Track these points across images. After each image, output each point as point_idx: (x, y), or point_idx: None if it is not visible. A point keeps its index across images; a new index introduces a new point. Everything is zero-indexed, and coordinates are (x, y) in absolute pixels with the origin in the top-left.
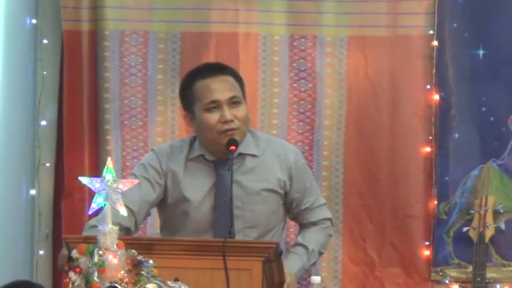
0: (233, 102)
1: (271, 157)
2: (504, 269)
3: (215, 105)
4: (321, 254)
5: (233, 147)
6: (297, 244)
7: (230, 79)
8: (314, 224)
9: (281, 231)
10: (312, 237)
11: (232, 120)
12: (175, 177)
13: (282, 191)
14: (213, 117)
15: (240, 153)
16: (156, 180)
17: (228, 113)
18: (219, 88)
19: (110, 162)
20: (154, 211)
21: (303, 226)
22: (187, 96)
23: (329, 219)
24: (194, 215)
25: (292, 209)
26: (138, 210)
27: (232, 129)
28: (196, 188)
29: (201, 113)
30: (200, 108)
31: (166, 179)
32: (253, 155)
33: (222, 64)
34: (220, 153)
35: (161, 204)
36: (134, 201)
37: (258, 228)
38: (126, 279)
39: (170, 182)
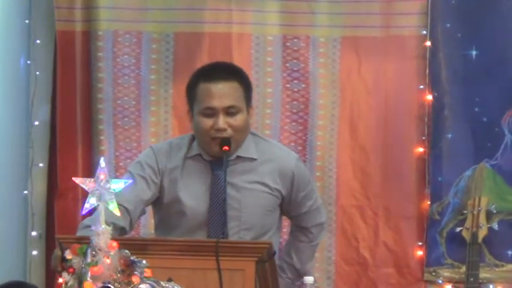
0: (230, 111)
1: (270, 161)
2: (497, 269)
3: (211, 112)
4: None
5: (226, 148)
6: (291, 265)
7: (235, 85)
8: (307, 230)
9: (276, 233)
10: (305, 257)
11: (225, 129)
12: (172, 176)
13: (279, 195)
14: (207, 123)
15: (239, 156)
16: (152, 179)
17: (221, 122)
18: (219, 95)
19: (103, 162)
20: (150, 210)
21: (296, 229)
22: (191, 95)
23: (322, 223)
24: (190, 214)
25: (290, 211)
26: (134, 209)
27: (224, 137)
28: (193, 187)
29: (197, 115)
30: (197, 110)
31: (162, 178)
32: (252, 158)
33: (232, 67)
34: (214, 155)
35: (156, 203)
36: (129, 200)
37: (253, 230)
38: (119, 280)
39: (167, 181)
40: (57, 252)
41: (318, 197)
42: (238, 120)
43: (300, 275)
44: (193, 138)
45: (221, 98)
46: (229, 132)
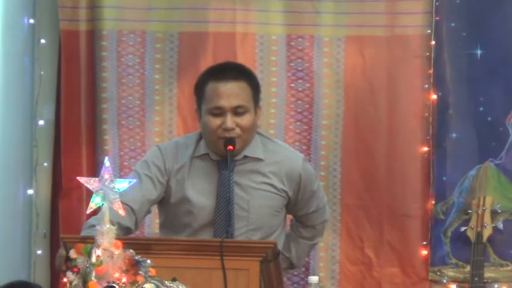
0: (238, 111)
1: (277, 163)
2: (502, 269)
3: (219, 111)
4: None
5: (231, 147)
6: (287, 258)
7: (243, 85)
8: (312, 227)
9: (282, 233)
10: (303, 253)
11: (233, 129)
12: (179, 176)
13: (286, 196)
14: (215, 122)
15: (246, 156)
16: (158, 179)
17: (229, 121)
18: (227, 95)
19: (107, 162)
20: (154, 210)
21: (300, 226)
22: (199, 94)
23: (326, 220)
24: (196, 214)
25: (297, 211)
26: (139, 209)
27: (232, 137)
28: (200, 187)
29: (205, 115)
30: (205, 110)
31: (169, 178)
32: (259, 159)
33: (241, 67)
34: (221, 155)
35: (162, 203)
36: (135, 200)
37: (261, 230)
38: (124, 279)
39: (174, 181)
40: (62, 251)
41: (324, 195)
42: (245, 120)
43: (292, 267)
44: (200, 137)
45: (229, 97)
46: (237, 131)
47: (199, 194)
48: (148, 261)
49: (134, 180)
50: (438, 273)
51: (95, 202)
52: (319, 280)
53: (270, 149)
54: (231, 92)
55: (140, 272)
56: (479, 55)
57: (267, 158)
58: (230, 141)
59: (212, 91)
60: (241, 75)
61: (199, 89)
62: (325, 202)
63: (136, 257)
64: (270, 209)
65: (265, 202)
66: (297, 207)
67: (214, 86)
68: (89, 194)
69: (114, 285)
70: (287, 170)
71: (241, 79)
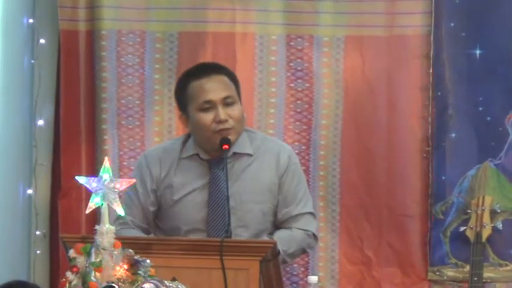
0: (227, 102)
1: (266, 156)
2: (501, 269)
3: (209, 106)
4: (293, 256)
5: (226, 146)
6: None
7: (225, 79)
8: (294, 218)
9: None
10: (291, 237)
11: (226, 120)
12: (167, 181)
13: (275, 189)
14: (208, 117)
15: (235, 153)
16: (151, 188)
17: (222, 113)
18: (213, 88)
19: (106, 162)
20: None
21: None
22: (182, 97)
23: (313, 233)
24: (188, 214)
25: (281, 206)
26: (146, 220)
27: (227, 128)
28: (189, 186)
29: (196, 113)
30: (194, 108)
31: (158, 186)
32: (248, 154)
33: (218, 64)
34: (214, 152)
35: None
36: (139, 217)
37: (250, 228)
38: (123, 279)
39: (162, 187)
40: None
41: (310, 205)
42: (236, 110)
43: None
44: (186, 139)
45: (216, 90)
46: (230, 123)
47: (189, 194)
48: (148, 261)
49: (133, 180)
50: (437, 273)
51: (94, 202)
52: (319, 280)
53: (258, 143)
54: (216, 85)
55: (140, 272)
56: (478, 55)
57: (256, 152)
58: (225, 140)
59: (197, 88)
60: (220, 69)
61: (182, 92)
62: (309, 212)
63: (135, 257)
64: (258, 206)
65: (254, 198)
66: (279, 200)
67: (198, 83)
68: (89, 194)
69: (113, 285)
70: (276, 159)
71: (221, 73)
